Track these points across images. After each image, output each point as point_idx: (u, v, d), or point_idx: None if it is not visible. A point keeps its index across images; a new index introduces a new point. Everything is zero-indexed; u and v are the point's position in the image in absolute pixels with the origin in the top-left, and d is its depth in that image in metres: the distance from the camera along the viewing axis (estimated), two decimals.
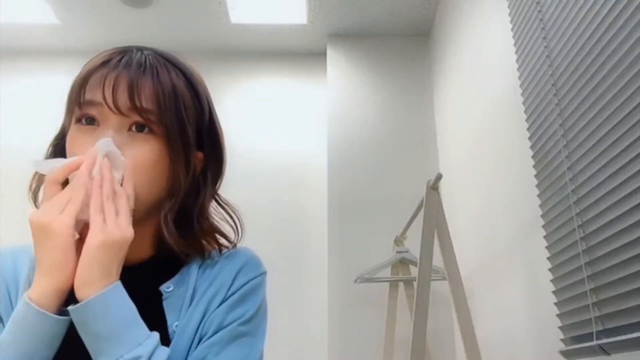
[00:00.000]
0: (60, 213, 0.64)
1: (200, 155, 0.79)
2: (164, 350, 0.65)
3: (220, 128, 0.82)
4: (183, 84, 0.76)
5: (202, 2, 2.99)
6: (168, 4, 3.00)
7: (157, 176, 0.72)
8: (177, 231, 0.74)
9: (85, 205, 0.65)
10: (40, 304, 0.62)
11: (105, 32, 3.21)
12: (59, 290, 0.63)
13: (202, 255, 0.78)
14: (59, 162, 0.68)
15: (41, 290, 0.63)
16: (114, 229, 0.64)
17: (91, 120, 0.71)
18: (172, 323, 0.71)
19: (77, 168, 0.67)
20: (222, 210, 0.82)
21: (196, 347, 0.71)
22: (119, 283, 0.65)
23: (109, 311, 0.63)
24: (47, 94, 3.23)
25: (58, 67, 3.31)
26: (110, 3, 2.97)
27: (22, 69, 3.36)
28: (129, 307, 0.65)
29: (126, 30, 3.20)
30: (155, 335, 0.66)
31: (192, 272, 0.76)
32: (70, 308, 0.63)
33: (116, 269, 0.65)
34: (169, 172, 0.73)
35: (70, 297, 0.64)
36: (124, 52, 0.74)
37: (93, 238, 0.64)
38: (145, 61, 0.74)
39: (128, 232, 0.65)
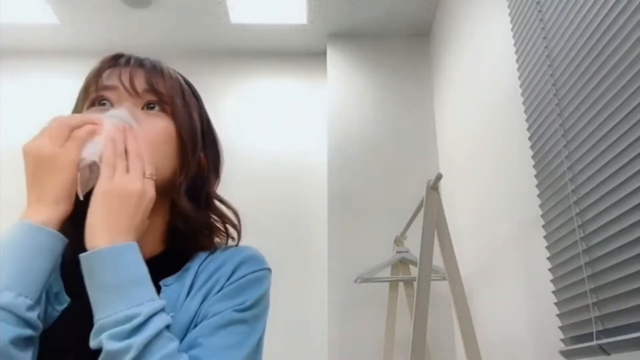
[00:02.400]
0: (60, 147, 0.66)
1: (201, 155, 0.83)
2: (165, 318, 0.64)
3: (215, 131, 0.88)
4: (185, 84, 0.83)
5: (202, 2, 2.99)
6: (168, 4, 3.00)
7: (169, 152, 0.75)
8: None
9: (90, 144, 0.68)
10: (42, 225, 0.64)
11: (105, 32, 3.21)
12: (58, 220, 0.66)
13: (209, 246, 0.79)
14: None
15: (42, 218, 0.65)
16: (120, 181, 0.66)
17: (104, 103, 0.76)
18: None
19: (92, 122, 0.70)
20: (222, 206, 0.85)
21: None
22: (135, 244, 0.66)
23: (117, 264, 0.63)
24: (47, 94, 3.24)
25: (58, 67, 3.32)
26: (110, 3, 2.97)
27: (22, 69, 3.36)
28: (139, 268, 0.65)
29: (126, 30, 3.20)
30: (162, 301, 0.65)
31: (194, 266, 0.76)
32: (80, 255, 0.64)
33: (126, 224, 0.66)
34: (179, 150, 0.77)
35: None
36: (132, 55, 0.80)
37: (98, 188, 0.66)
38: (158, 63, 0.80)
39: (134, 185, 0.66)
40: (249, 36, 3.30)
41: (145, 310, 0.62)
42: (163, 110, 0.77)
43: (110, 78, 0.76)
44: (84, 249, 0.65)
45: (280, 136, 3.28)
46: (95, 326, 0.62)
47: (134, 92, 0.75)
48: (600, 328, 1.19)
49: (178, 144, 0.77)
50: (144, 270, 0.66)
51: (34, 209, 0.65)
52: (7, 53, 3.31)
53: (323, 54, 3.30)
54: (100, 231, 0.64)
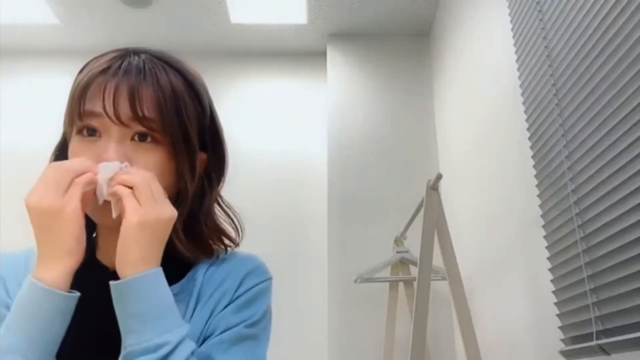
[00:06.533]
0: (62, 197, 0.63)
1: (203, 156, 0.79)
2: (191, 344, 0.66)
3: (221, 126, 0.82)
4: (182, 85, 0.74)
5: (202, 2, 2.99)
6: (168, 4, 3.00)
7: (164, 184, 0.70)
8: (186, 235, 0.74)
9: (91, 192, 0.65)
10: (54, 285, 0.63)
11: (105, 32, 3.21)
12: (71, 273, 0.65)
13: (210, 256, 0.78)
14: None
15: (55, 274, 0.63)
16: (150, 209, 0.65)
17: (92, 132, 0.70)
18: None
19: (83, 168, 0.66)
20: (222, 212, 0.82)
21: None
22: (161, 269, 0.66)
23: (148, 293, 0.64)
24: (46, 94, 3.23)
25: (58, 67, 3.31)
26: (110, 3, 2.97)
27: (22, 69, 3.36)
28: (167, 294, 0.66)
29: (126, 30, 3.20)
30: (187, 326, 0.66)
31: (198, 276, 0.76)
32: (111, 283, 0.64)
33: (156, 251, 0.66)
34: (176, 178, 0.73)
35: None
36: (121, 58, 0.72)
37: (129, 219, 0.64)
38: (144, 66, 0.72)
39: (166, 212, 0.66)
40: (249, 36, 3.29)
41: (174, 338, 0.63)
42: (154, 139, 0.70)
43: (94, 101, 0.69)
44: (84, 258, 0.65)
45: (280, 136, 3.28)
46: (124, 352, 0.63)
47: (118, 122, 0.68)
48: (600, 328, 1.18)
49: (173, 172, 0.73)
50: (170, 295, 0.66)
51: (46, 266, 0.64)
52: (7, 53, 3.31)
53: (323, 54, 3.30)
54: (130, 262, 0.64)
